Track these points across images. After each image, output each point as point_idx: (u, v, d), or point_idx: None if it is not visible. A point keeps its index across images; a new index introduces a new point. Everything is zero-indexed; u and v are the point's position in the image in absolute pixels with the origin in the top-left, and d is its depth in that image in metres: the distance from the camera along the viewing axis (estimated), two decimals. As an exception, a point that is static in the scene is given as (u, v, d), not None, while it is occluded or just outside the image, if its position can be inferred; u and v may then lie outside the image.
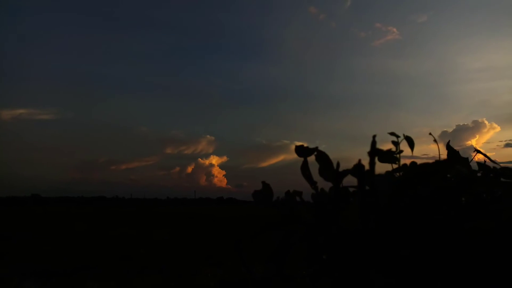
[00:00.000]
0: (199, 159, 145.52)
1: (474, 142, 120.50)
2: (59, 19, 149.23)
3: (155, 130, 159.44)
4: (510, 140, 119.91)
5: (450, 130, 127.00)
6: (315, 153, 0.94)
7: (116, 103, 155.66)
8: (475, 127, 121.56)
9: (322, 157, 0.89)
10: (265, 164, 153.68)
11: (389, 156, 0.92)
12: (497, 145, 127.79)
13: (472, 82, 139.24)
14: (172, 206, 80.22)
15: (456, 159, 1.24)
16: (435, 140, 1.02)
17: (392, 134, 0.94)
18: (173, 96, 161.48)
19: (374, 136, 0.74)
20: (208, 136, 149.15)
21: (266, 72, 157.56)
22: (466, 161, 1.28)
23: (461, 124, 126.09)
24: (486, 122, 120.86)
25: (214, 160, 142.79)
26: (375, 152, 0.74)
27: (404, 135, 0.95)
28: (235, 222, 18.95)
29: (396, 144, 0.93)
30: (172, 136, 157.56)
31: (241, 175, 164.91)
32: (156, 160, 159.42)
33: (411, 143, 0.96)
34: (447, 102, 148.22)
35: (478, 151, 1.14)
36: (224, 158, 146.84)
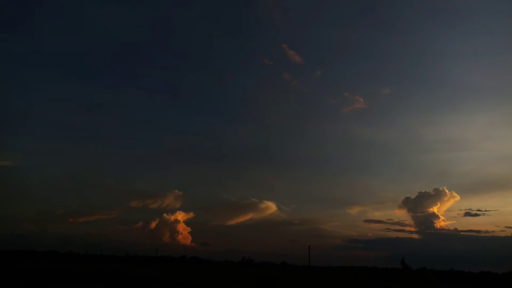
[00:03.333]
0: (165, 214, 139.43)
1: (435, 209, 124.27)
2: (25, 65, 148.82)
3: (121, 181, 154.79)
4: (469, 209, 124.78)
5: (413, 196, 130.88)
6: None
7: (83, 153, 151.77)
8: (436, 195, 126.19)
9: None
10: (232, 222, 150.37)
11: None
12: (457, 214, 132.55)
13: (433, 152, 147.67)
14: (130, 264, 75.15)
15: (410, 277, 1.30)
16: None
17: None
18: (144, 149, 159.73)
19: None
20: (176, 190, 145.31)
21: (240, 132, 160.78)
22: (420, 276, 1.35)
23: (423, 191, 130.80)
24: (446, 190, 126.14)
25: (180, 216, 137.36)
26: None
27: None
28: None
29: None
30: (139, 189, 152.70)
31: (207, 233, 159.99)
32: (118, 214, 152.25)
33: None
34: (410, 169, 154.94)
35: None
36: (191, 214, 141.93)
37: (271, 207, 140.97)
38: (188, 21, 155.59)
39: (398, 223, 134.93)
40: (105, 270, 44.54)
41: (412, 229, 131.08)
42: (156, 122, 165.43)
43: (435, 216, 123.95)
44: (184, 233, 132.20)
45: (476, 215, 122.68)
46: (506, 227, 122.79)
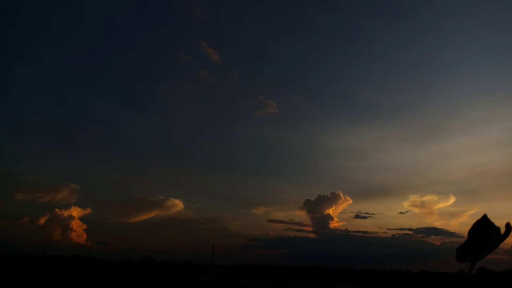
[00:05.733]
0: (57, 209, 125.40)
1: (331, 211, 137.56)
2: None
3: (5, 171, 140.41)
4: (359, 212, 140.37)
5: (312, 198, 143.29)
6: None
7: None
8: (333, 198, 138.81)
9: None
10: (135, 219, 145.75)
11: None
12: (349, 216, 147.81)
13: (332, 159, 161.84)
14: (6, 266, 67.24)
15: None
16: None
17: None
18: (37, 136, 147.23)
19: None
20: (72, 184, 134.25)
21: (150, 125, 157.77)
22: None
23: (321, 194, 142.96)
24: (341, 194, 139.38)
25: (75, 211, 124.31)
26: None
27: None
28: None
29: None
30: (28, 180, 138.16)
31: (106, 230, 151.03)
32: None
33: None
34: (311, 173, 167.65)
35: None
36: (88, 210, 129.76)
37: (178, 204, 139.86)
38: (100, 4, 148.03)
39: (298, 223, 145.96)
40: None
41: (310, 229, 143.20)
42: (54, 107, 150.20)
43: (330, 217, 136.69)
44: (78, 231, 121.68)
45: (364, 217, 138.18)
46: (388, 229, 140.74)
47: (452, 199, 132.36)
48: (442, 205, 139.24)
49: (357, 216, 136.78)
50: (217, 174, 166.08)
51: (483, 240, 1.46)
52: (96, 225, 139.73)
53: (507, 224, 1.36)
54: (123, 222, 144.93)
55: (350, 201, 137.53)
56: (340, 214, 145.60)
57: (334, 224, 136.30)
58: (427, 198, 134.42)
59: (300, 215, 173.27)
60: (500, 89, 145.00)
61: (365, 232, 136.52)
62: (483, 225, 1.47)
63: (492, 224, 1.45)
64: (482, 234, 1.46)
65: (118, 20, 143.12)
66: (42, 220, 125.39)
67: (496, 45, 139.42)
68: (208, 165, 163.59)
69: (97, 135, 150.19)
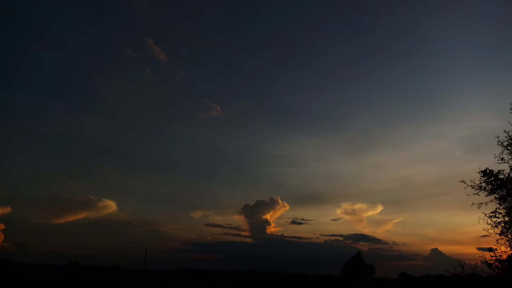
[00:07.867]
0: None
1: (269, 216, 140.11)
2: None
3: None
4: (295, 218, 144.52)
5: (251, 203, 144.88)
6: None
7: None
8: (271, 204, 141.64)
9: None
10: (60, 220, 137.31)
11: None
12: (286, 221, 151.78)
13: (272, 165, 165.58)
14: None
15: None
16: None
17: None
18: None
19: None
20: None
21: (85, 120, 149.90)
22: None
23: (260, 199, 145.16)
24: (280, 200, 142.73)
25: None
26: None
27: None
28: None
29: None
30: None
31: (27, 232, 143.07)
32: None
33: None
34: (251, 178, 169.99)
35: None
36: (8, 209, 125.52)
37: (110, 206, 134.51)
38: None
39: (236, 228, 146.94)
40: None
41: (247, 234, 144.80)
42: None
43: (267, 222, 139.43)
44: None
45: (300, 223, 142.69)
46: (321, 234, 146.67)
47: (379, 208, 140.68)
48: (370, 213, 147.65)
49: (293, 222, 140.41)
50: (155, 175, 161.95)
51: (354, 274, 1.51)
52: (16, 226, 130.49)
53: (372, 265, 1.43)
54: (47, 223, 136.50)
55: (288, 207, 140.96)
56: (277, 219, 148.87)
57: (271, 229, 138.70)
58: (358, 206, 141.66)
59: (238, 219, 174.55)
60: (424, 109, 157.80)
61: (299, 238, 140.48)
62: (357, 261, 1.51)
63: (364, 261, 1.50)
64: (355, 268, 1.51)
65: (48, 2, 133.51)
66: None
67: (423, 71, 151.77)
68: (145, 165, 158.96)
69: (21, 127, 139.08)
